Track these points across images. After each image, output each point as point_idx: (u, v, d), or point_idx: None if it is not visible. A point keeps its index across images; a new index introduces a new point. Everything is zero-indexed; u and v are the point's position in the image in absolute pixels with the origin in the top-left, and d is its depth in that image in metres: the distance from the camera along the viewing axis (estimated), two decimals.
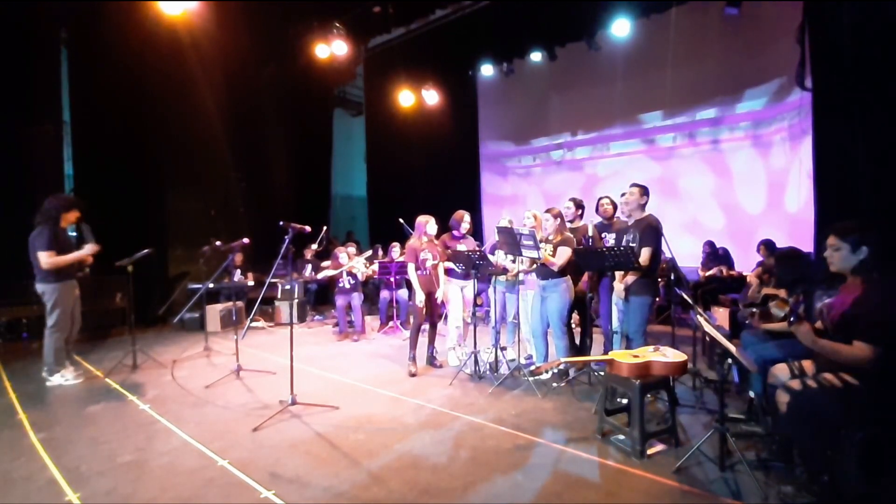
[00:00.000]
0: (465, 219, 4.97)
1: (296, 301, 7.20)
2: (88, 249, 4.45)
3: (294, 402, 3.67)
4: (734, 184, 7.47)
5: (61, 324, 4.43)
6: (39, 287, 4.38)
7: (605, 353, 3.97)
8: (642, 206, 3.91)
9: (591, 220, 4.79)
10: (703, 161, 7.82)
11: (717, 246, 7.02)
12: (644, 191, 3.90)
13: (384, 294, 6.90)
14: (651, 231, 3.78)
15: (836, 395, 2.22)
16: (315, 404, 3.71)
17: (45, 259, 4.25)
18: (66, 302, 4.44)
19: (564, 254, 4.02)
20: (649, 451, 2.84)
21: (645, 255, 3.71)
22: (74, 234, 4.54)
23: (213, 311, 6.87)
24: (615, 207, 4.67)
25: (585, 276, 4.43)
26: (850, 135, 5.18)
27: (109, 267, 4.96)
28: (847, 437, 2.13)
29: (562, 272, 4.12)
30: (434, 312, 4.82)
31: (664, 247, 3.92)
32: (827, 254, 2.43)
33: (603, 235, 4.62)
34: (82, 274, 4.69)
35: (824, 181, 5.66)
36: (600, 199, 4.79)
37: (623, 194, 4.03)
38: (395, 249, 7.08)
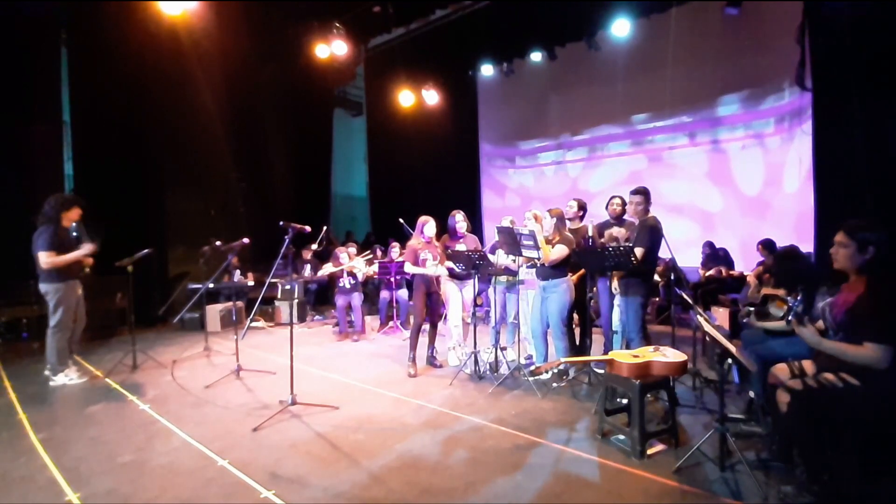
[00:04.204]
0: (457, 217, 4.94)
1: (296, 301, 7.19)
2: (86, 249, 4.45)
3: (294, 402, 3.67)
4: (734, 183, 7.46)
5: (64, 323, 4.43)
6: (42, 287, 4.38)
7: (605, 353, 3.97)
8: (646, 209, 3.94)
9: (591, 220, 4.79)
10: (703, 161, 7.82)
11: (717, 246, 7.02)
12: (646, 196, 3.93)
13: (384, 294, 6.90)
14: (646, 231, 3.79)
15: (836, 395, 2.22)
16: (315, 404, 3.71)
17: (45, 259, 4.25)
18: (68, 301, 4.44)
19: (560, 250, 4.03)
20: (649, 451, 2.84)
21: (638, 254, 3.71)
22: (75, 233, 4.53)
23: (213, 311, 6.87)
24: (625, 207, 4.66)
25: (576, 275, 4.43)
26: (850, 134, 5.19)
27: (109, 267, 4.95)
28: (847, 437, 2.13)
29: (563, 272, 4.12)
30: (434, 312, 4.82)
31: (665, 247, 3.93)
32: (832, 250, 2.41)
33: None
34: (84, 274, 4.69)
35: (824, 181, 5.67)
36: (612, 197, 4.77)
37: (616, 197, 4.04)
38: (395, 249, 7.09)
